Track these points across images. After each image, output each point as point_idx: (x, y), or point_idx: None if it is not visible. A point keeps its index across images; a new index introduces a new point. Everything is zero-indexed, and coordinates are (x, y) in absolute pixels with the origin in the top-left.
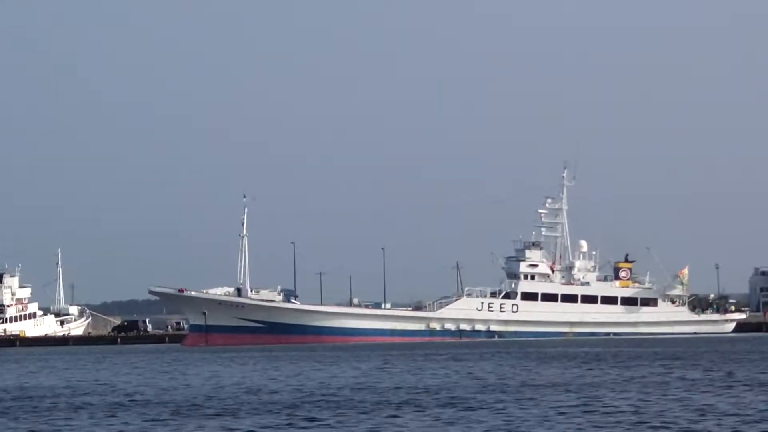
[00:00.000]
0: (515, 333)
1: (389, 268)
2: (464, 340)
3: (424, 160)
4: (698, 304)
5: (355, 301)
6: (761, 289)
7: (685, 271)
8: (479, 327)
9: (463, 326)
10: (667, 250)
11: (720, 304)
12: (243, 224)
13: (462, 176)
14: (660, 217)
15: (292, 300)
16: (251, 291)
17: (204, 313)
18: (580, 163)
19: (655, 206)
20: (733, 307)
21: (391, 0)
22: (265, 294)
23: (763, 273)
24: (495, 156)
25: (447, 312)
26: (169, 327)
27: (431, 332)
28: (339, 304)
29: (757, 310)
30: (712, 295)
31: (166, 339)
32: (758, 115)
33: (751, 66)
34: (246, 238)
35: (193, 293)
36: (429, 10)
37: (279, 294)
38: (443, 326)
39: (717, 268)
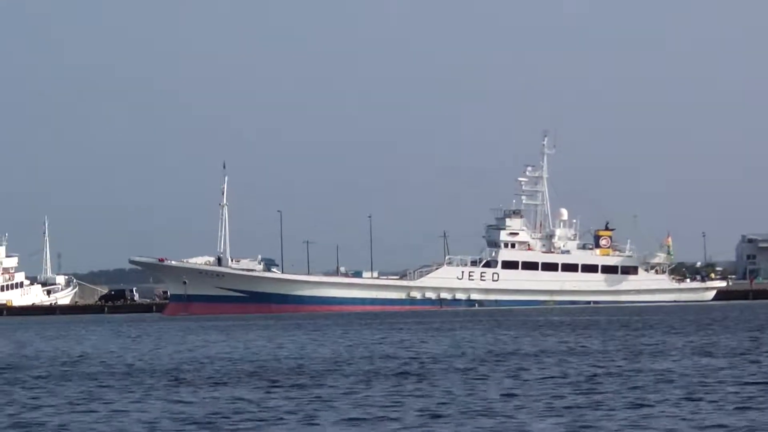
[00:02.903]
0: (495, 302)
1: (377, 237)
2: (445, 309)
3: (412, 130)
4: (676, 271)
5: (342, 269)
6: (748, 257)
7: (669, 239)
8: (460, 296)
9: (444, 295)
10: (654, 218)
11: (699, 271)
12: (223, 194)
13: (448, 146)
14: (646, 185)
15: (273, 269)
16: (231, 260)
17: (185, 283)
18: (563, 131)
19: (641, 174)
20: (713, 275)
21: None
22: (245, 263)
23: (750, 240)
24: (479, 125)
25: (427, 281)
26: (156, 296)
27: (412, 301)
28: (327, 273)
29: (744, 278)
30: (698, 263)
31: (153, 308)
32: (744, 85)
33: (734, 41)
34: (226, 207)
35: (173, 263)
36: None
37: (259, 263)
38: (423, 295)
39: (704, 236)
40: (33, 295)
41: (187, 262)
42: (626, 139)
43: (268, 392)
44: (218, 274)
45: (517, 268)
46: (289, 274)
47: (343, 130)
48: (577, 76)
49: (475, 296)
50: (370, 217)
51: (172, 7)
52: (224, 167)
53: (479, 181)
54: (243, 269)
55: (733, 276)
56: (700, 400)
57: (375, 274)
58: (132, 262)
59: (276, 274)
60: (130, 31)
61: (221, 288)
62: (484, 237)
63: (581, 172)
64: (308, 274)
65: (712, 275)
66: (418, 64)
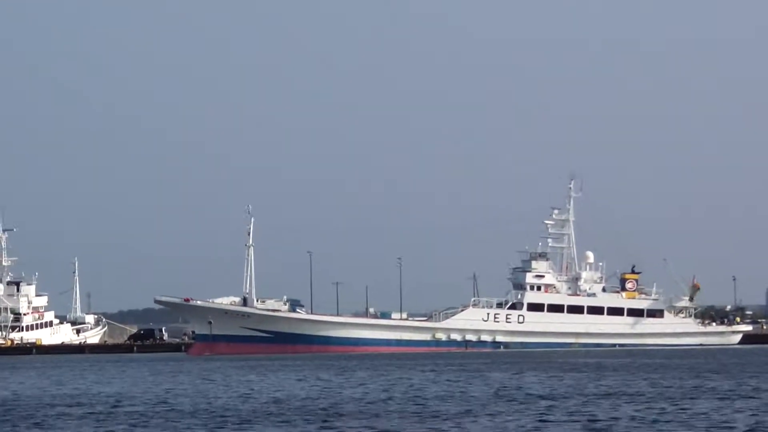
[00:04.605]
0: (521, 344)
1: (407, 279)
2: (470, 350)
3: (441, 172)
4: (703, 315)
5: (371, 311)
6: None
7: (695, 280)
8: (485, 338)
9: (469, 337)
10: (684, 262)
11: (727, 315)
12: (249, 234)
13: (477, 189)
14: (676, 229)
15: (298, 309)
16: (257, 300)
17: (210, 323)
18: (591, 173)
19: (671, 218)
20: (738, 319)
21: (388, 19)
22: (270, 304)
23: None
24: (508, 168)
25: (453, 322)
26: (186, 335)
27: (437, 342)
28: (356, 314)
29: None
30: (728, 307)
31: (183, 347)
32: None
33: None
34: (252, 248)
35: (198, 302)
36: (426, 26)
37: (285, 304)
38: (449, 336)
39: (734, 279)
40: (62, 334)
41: (213, 302)
42: (656, 183)
43: None
44: (244, 315)
45: (542, 310)
46: (315, 315)
47: (373, 171)
48: (605, 117)
49: (500, 338)
50: (399, 259)
51: (194, 53)
52: (249, 210)
53: (507, 223)
54: (268, 310)
55: (763, 320)
56: None
57: (404, 316)
58: (157, 301)
59: (301, 314)
60: (153, 79)
61: (246, 328)
62: (509, 279)
63: (609, 214)
64: (337, 315)
65: (738, 319)
66: (444, 106)
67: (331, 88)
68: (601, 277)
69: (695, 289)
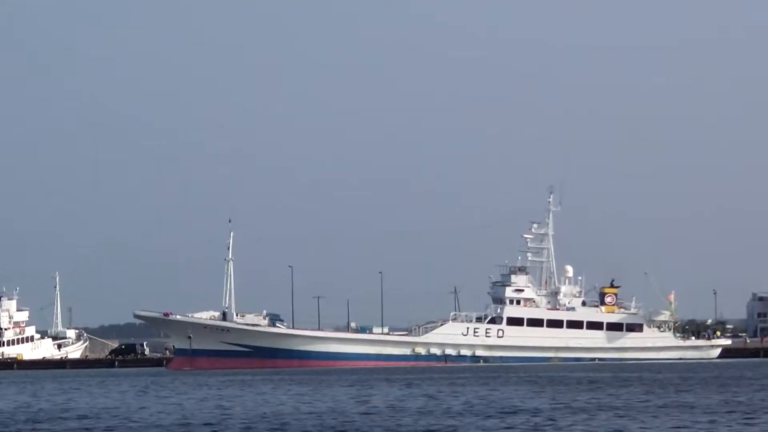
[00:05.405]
0: (500, 358)
1: (388, 292)
2: (449, 365)
3: (423, 184)
4: (683, 330)
5: (353, 325)
6: (758, 315)
7: (672, 296)
8: (464, 352)
9: (449, 351)
10: (664, 275)
11: (707, 329)
12: (228, 248)
13: (459, 201)
14: (656, 242)
15: (278, 324)
16: (236, 315)
17: (189, 337)
18: (570, 187)
19: (651, 231)
20: (718, 333)
21: (382, 23)
22: (250, 318)
23: (761, 298)
24: (490, 180)
25: (432, 337)
26: (167, 350)
27: (416, 357)
28: (337, 329)
29: (755, 336)
30: (709, 321)
31: (164, 362)
32: (756, 134)
33: (744, 81)
34: (232, 262)
35: (178, 317)
36: (416, 31)
37: (264, 318)
38: (429, 351)
39: (714, 293)
40: (43, 349)
41: (192, 316)
42: (636, 197)
43: None
44: (223, 329)
45: (522, 324)
46: (294, 330)
47: (354, 185)
48: (586, 129)
49: (479, 352)
50: (381, 273)
51: (181, 58)
52: (230, 222)
53: (487, 235)
54: (248, 324)
55: (744, 333)
56: None
57: (385, 330)
58: (137, 316)
59: (280, 329)
60: (141, 82)
61: (226, 343)
62: (489, 293)
63: (590, 228)
64: (318, 329)
65: (717, 333)
66: (437, 106)
67: (319, 88)
68: (581, 291)
69: (670, 303)
